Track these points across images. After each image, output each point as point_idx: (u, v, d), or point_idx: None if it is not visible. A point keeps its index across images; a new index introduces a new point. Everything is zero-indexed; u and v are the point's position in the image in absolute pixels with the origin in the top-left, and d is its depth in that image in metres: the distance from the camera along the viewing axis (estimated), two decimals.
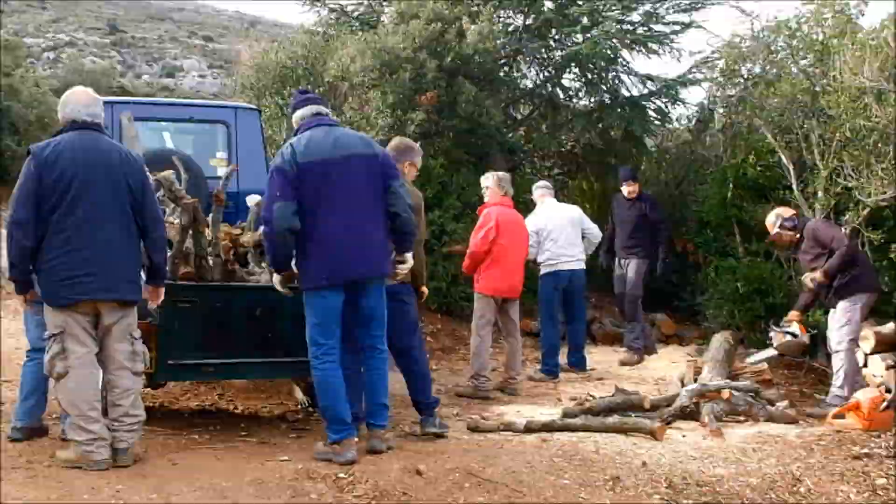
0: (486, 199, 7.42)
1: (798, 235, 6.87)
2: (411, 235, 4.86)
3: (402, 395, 6.48)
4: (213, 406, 6.26)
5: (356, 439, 4.63)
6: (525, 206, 10.66)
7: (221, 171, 6.92)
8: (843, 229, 6.83)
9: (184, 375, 5.37)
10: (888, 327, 7.39)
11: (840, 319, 6.58)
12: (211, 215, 5.27)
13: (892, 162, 7.14)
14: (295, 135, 4.75)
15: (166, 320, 4.88)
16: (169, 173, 5.19)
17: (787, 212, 7.08)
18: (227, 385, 6.72)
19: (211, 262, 5.17)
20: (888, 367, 7.01)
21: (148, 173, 4.61)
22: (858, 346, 6.63)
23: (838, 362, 6.52)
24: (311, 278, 4.59)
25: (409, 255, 4.89)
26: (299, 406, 6.16)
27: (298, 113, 4.81)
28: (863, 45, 7.25)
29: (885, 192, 6.83)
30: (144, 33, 44.11)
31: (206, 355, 5.05)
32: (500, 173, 7.54)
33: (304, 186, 4.51)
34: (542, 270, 8.17)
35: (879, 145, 7.55)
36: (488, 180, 7.41)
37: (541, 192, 8.54)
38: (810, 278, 6.76)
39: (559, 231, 8.16)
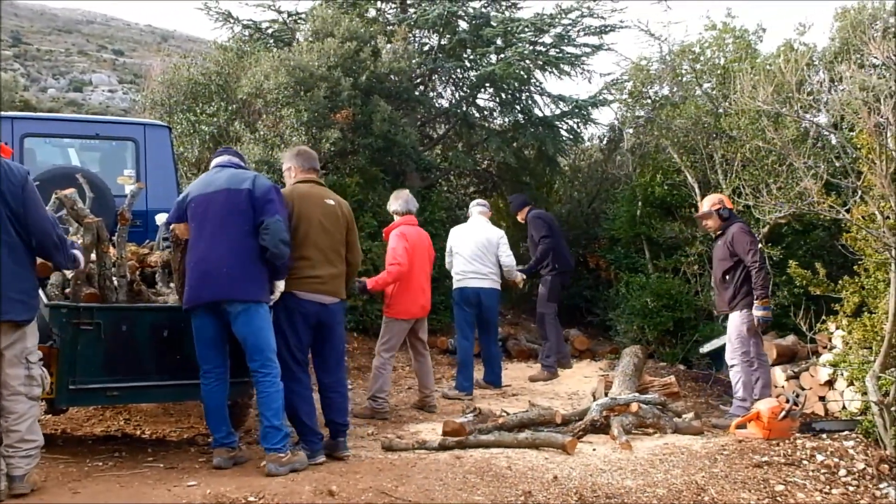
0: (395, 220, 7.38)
1: (721, 231, 6.90)
2: (283, 268, 5.03)
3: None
4: (118, 431, 6.06)
5: (232, 451, 4.96)
6: (442, 223, 10.79)
7: (129, 190, 6.76)
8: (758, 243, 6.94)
9: (87, 400, 5.16)
10: (788, 340, 7.72)
11: (730, 333, 6.78)
12: (116, 234, 5.12)
13: (787, 181, 7.46)
14: None
15: (68, 343, 4.71)
16: (71, 191, 5.02)
17: (728, 202, 7.11)
18: (133, 409, 6.53)
19: (116, 282, 5.03)
20: (788, 378, 7.31)
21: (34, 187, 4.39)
22: (760, 358, 6.81)
23: (735, 375, 6.74)
24: (184, 300, 4.95)
25: (279, 284, 5.06)
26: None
27: (212, 162, 5.28)
28: (760, 70, 7.58)
29: (779, 211, 7.11)
30: (51, 46, 42.76)
31: (110, 379, 4.88)
32: (404, 192, 7.53)
33: (188, 220, 4.98)
34: (454, 286, 8.27)
35: (776, 166, 7.91)
36: (392, 205, 7.44)
37: (472, 209, 8.64)
38: (758, 318, 6.59)
39: (468, 248, 8.23)
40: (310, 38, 10.73)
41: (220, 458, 4.88)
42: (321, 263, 5.26)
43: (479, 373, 8.59)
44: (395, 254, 6.95)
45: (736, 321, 6.70)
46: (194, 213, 4.93)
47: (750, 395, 6.58)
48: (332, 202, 5.41)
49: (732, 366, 6.76)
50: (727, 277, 6.77)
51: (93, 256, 4.99)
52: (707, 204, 7.03)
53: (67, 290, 5.00)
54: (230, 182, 4.96)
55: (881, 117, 5.34)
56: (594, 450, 5.68)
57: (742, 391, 6.64)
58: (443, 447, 5.53)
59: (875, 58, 6.28)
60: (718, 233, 6.93)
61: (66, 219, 5.63)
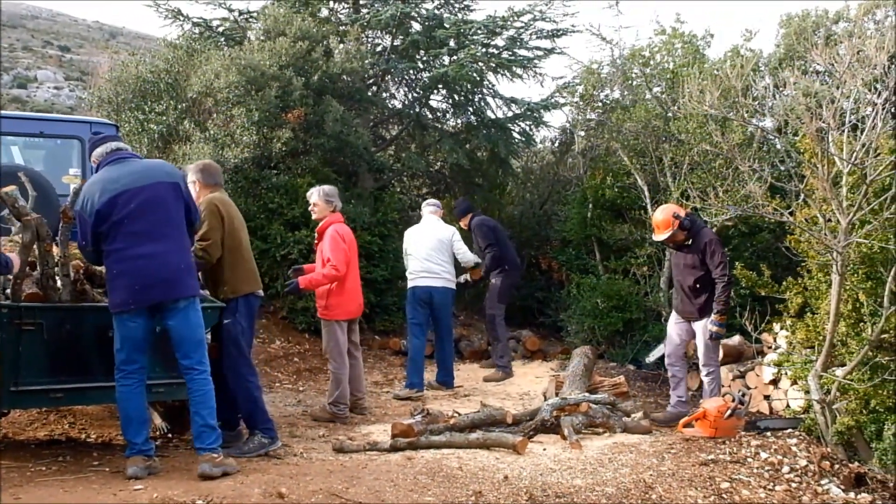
0: (314, 216, 7.09)
1: (689, 240, 6.70)
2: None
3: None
4: (63, 435, 5.92)
5: (149, 461, 4.70)
6: (395, 224, 10.77)
7: (74, 188, 6.62)
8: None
9: (29, 402, 5.04)
10: (734, 340, 7.86)
11: (701, 339, 6.73)
12: (59, 233, 5.01)
13: (733, 185, 7.59)
14: (95, 172, 4.90)
15: (9, 344, 4.60)
16: (12, 189, 4.89)
17: (681, 210, 6.87)
18: (78, 412, 6.39)
19: (59, 281, 4.91)
20: (734, 378, 7.45)
21: None
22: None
23: (712, 381, 6.72)
24: (117, 302, 4.65)
25: None
26: (157, 432, 5.92)
27: (97, 151, 4.92)
28: (707, 74, 7.72)
29: (726, 213, 7.24)
30: None
31: (54, 380, 4.77)
32: (326, 187, 7.16)
33: (108, 220, 4.62)
34: (408, 284, 8.32)
35: (723, 169, 8.05)
36: (313, 196, 7.05)
37: (425, 209, 8.64)
38: (711, 332, 6.62)
39: (420, 247, 8.25)
40: (261, 37, 10.63)
41: (136, 468, 4.60)
42: (254, 262, 5.75)
43: (431, 373, 8.61)
44: (335, 258, 6.76)
45: (706, 325, 6.68)
46: (124, 209, 4.62)
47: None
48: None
49: (710, 371, 6.72)
50: (699, 285, 6.66)
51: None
52: (663, 220, 6.75)
53: (8, 290, 4.86)
54: (160, 174, 4.82)
55: (823, 122, 5.47)
56: (544, 449, 5.73)
57: (718, 394, 6.63)
58: (394, 448, 5.53)
59: (818, 64, 6.44)
60: (686, 241, 6.74)
61: (7, 217, 5.50)
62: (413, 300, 8.26)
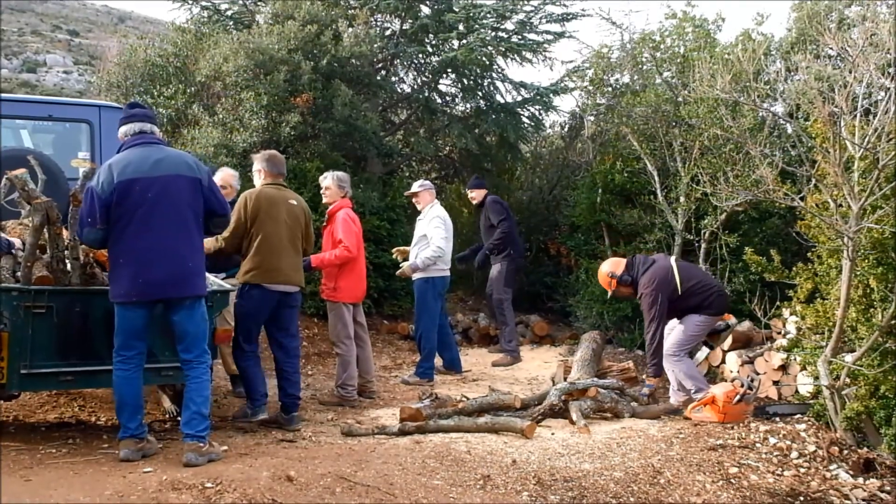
0: (325, 200, 7.15)
1: (635, 292, 6.81)
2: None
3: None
4: (73, 418, 5.96)
5: (141, 443, 4.72)
6: (403, 209, 10.76)
7: (83, 171, 6.62)
8: (666, 281, 6.63)
9: (39, 385, 5.06)
10: (743, 325, 7.83)
11: (686, 329, 6.67)
12: (68, 216, 5.02)
13: (744, 169, 7.54)
14: (118, 151, 4.85)
15: (19, 327, 4.62)
16: (22, 172, 4.90)
17: (618, 266, 6.94)
18: (88, 395, 6.43)
19: (69, 265, 4.92)
20: (742, 363, 7.43)
21: None
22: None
23: (675, 367, 6.66)
24: (119, 293, 4.66)
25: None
26: (167, 415, 5.96)
27: (123, 129, 4.88)
28: (718, 59, 7.66)
29: (736, 198, 7.19)
30: (3, 26, 41.67)
31: (64, 363, 4.81)
32: (340, 173, 7.23)
33: (121, 205, 4.61)
34: (430, 274, 7.99)
35: (733, 154, 8.00)
36: (327, 180, 7.12)
37: (431, 193, 8.37)
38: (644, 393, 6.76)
39: (451, 235, 8.16)
40: (270, 21, 10.59)
41: (128, 450, 4.64)
42: (285, 257, 5.87)
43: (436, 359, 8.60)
44: (347, 240, 6.86)
45: (697, 321, 6.67)
46: (140, 199, 4.60)
47: (681, 388, 6.62)
48: (294, 202, 6.03)
49: (673, 367, 6.68)
50: (680, 317, 6.74)
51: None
52: (602, 282, 7.04)
53: (18, 274, 4.88)
54: (181, 167, 4.78)
55: (835, 107, 5.42)
56: (553, 434, 5.73)
57: (690, 383, 6.63)
58: (402, 432, 5.55)
59: (830, 48, 6.38)
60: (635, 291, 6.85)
61: (17, 201, 5.52)
62: (442, 290, 8.16)
